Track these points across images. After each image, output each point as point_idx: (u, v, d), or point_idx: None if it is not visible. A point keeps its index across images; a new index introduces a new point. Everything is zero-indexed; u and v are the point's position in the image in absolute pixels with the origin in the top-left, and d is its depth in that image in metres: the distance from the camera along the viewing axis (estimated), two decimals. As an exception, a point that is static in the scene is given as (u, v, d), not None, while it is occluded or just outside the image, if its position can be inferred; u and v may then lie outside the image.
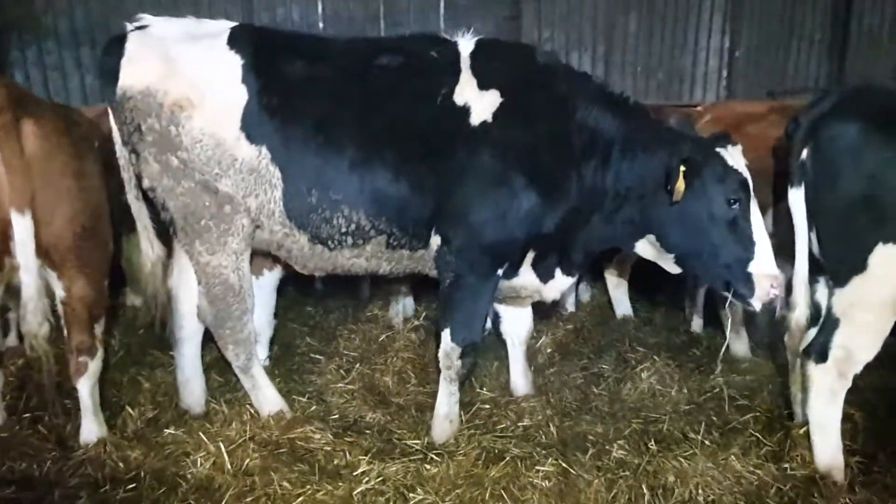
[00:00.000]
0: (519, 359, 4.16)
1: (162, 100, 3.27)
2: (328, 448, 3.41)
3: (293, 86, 3.31)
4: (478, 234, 3.33)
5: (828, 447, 3.25)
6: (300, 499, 2.99)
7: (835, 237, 3.11)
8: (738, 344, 5.08)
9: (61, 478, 3.23)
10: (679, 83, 12.55)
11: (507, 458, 3.20)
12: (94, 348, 3.49)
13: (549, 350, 4.92)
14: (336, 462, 3.32)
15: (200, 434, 3.51)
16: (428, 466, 3.17)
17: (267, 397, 3.76)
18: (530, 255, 3.57)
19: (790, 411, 3.75)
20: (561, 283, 3.73)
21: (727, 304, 3.48)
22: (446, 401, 3.60)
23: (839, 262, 3.13)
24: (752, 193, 3.33)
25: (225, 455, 3.33)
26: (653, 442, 3.34)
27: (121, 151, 3.53)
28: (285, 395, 3.96)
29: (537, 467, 3.08)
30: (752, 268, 3.28)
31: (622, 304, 5.74)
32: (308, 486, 3.05)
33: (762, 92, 12.46)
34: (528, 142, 3.30)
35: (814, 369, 3.25)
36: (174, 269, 3.83)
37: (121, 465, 3.34)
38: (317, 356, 4.76)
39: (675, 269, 3.63)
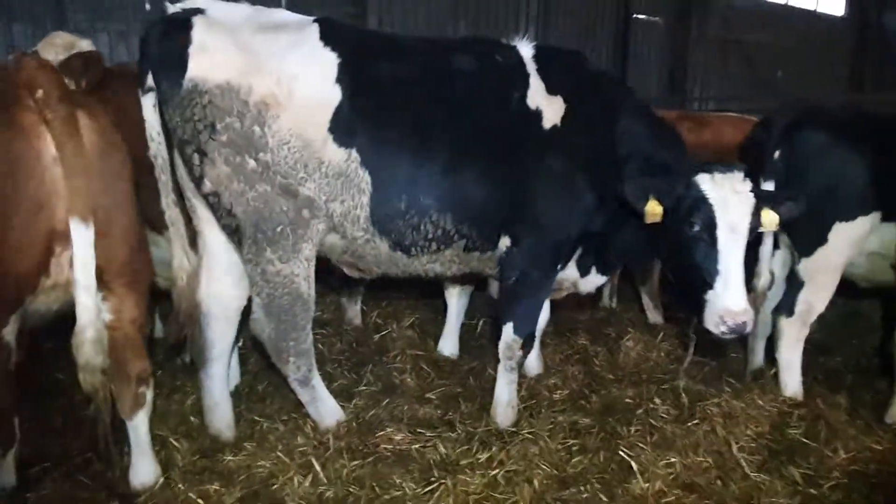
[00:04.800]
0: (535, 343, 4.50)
1: (246, 97, 3.00)
2: (417, 445, 3.43)
3: (384, 87, 3.24)
4: (547, 233, 3.53)
5: (793, 380, 4.22)
6: (439, 493, 3.02)
7: (803, 218, 4.03)
8: (654, 314, 6.07)
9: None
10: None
11: (595, 427, 3.58)
12: (150, 376, 3.06)
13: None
14: (431, 457, 3.34)
15: (279, 454, 3.27)
16: (530, 446, 3.39)
17: (329, 408, 3.62)
18: (577, 252, 3.85)
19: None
20: (596, 279, 4.06)
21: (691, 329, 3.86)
22: (507, 389, 3.79)
23: (806, 237, 4.07)
24: (725, 225, 3.23)
25: (319, 469, 3.18)
26: (684, 397, 3.98)
27: (158, 150, 3.15)
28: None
29: (630, 427, 3.52)
30: (709, 297, 3.22)
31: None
32: (438, 482, 3.08)
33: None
34: (589, 146, 3.53)
35: (784, 322, 4.19)
36: (202, 280, 3.47)
37: (200, 501, 2.99)
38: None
39: None
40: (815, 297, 4.12)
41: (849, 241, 4.01)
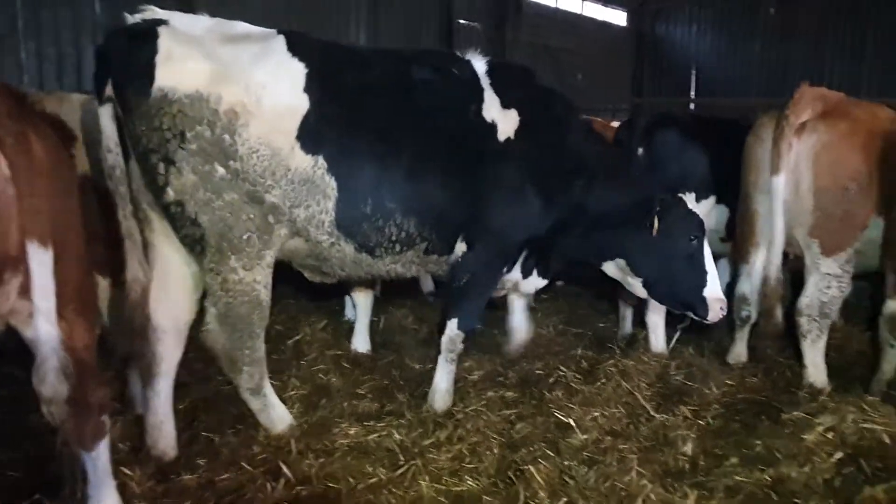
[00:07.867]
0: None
1: (216, 105, 3.01)
2: (374, 436, 3.61)
3: (349, 96, 3.37)
4: (498, 238, 3.79)
5: (660, 341, 5.07)
6: (411, 474, 3.25)
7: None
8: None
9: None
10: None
11: (524, 398, 4.05)
12: (110, 402, 2.90)
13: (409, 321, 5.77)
14: (390, 445, 3.53)
15: (241, 464, 3.27)
16: (481, 422, 3.75)
17: (279, 414, 3.66)
18: (522, 255, 4.19)
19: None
20: (536, 281, 4.40)
21: (681, 323, 4.67)
22: (447, 377, 4.07)
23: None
24: (705, 232, 4.07)
25: (288, 472, 3.24)
26: (583, 363, 4.61)
27: (115, 160, 3.07)
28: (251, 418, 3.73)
29: (553, 392, 4.05)
30: (706, 293, 3.98)
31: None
32: (408, 464, 3.31)
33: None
34: (539, 156, 3.78)
35: (652, 292, 5.01)
36: (153, 293, 3.33)
37: (176, 527, 2.93)
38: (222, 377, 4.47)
39: (641, 292, 4.25)
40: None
41: (697, 221, 4.94)
